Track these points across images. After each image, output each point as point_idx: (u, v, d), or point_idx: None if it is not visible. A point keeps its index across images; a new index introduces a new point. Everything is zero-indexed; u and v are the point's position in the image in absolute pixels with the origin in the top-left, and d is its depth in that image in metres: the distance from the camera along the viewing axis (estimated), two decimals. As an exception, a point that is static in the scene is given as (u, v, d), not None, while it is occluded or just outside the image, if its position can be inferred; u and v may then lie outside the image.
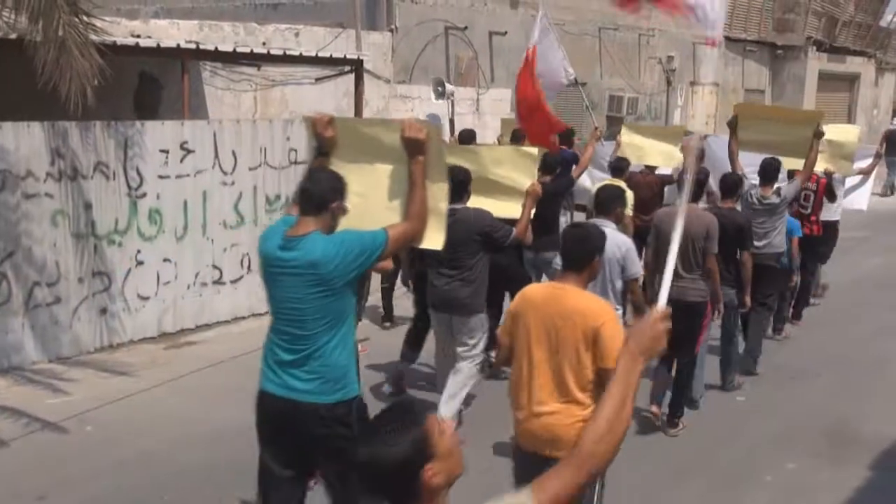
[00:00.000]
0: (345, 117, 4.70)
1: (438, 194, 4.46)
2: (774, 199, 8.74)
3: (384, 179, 4.52)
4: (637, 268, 6.15)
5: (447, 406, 6.82)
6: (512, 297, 5.24)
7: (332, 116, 4.65)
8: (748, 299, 7.89)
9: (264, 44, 13.18)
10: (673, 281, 2.69)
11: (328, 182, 4.18)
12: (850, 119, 32.36)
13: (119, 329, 9.10)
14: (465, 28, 17.77)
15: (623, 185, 9.11)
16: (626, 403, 2.29)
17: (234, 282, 10.10)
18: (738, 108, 10.17)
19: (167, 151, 9.30)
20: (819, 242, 10.72)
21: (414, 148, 4.34)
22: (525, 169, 7.24)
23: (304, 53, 11.92)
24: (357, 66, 12.11)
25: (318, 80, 13.81)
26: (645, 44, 22.65)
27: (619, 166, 10.56)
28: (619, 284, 6.08)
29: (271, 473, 4.31)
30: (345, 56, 12.45)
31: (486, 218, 6.76)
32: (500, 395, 5.28)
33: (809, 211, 10.41)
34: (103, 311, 8.90)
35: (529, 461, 4.16)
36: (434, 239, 4.49)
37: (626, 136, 11.74)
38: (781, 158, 9.05)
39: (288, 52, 11.78)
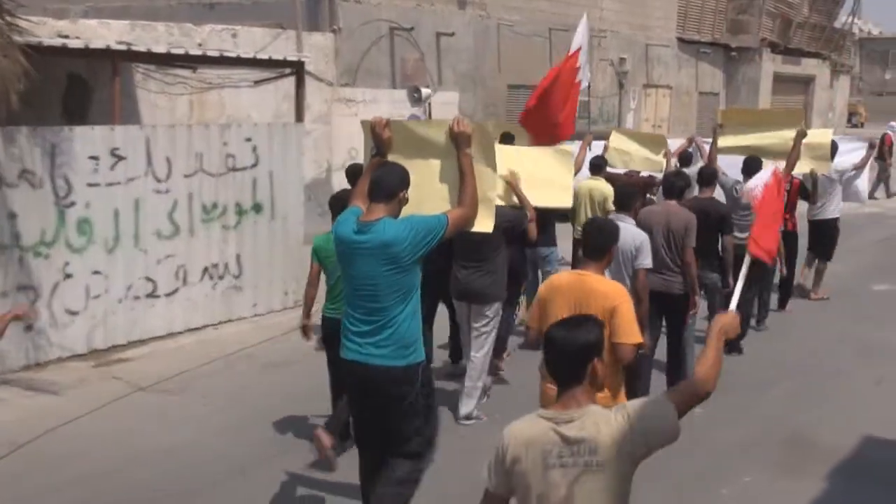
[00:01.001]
0: (398, 120, 5.71)
1: (488, 183, 5.26)
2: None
3: (436, 172, 5.25)
4: (647, 259, 7.01)
5: (466, 405, 7.68)
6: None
7: (389, 119, 5.41)
8: (731, 281, 8.54)
9: (200, 45, 13.11)
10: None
11: (397, 174, 4.95)
12: (805, 122, 32.92)
13: (46, 346, 8.96)
14: (411, 29, 17.84)
15: (603, 181, 10.94)
16: (719, 358, 3.42)
17: (168, 295, 10.00)
18: (724, 114, 11.31)
19: (97, 158, 9.18)
20: (794, 238, 11.51)
21: (462, 141, 5.11)
22: (565, 164, 8.52)
23: (242, 55, 11.86)
24: (298, 69, 12.08)
25: (256, 83, 13.76)
26: (596, 45, 22.88)
27: (597, 164, 11.34)
28: (631, 272, 7.00)
29: (361, 438, 5.27)
30: (285, 58, 12.42)
31: (506, 214, 7.40)
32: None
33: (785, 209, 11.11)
34: (29, 326, 8.75)
35: None
36: (485, 223, 5.27)
37: (615, 140, 12.62)
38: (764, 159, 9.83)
39: (225, 54, 11.71)
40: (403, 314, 4.89)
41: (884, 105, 68.38)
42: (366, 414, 5.14)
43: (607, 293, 4.99)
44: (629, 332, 4.86)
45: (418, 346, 4.99)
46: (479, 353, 7.70)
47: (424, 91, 14.63)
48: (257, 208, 10.83)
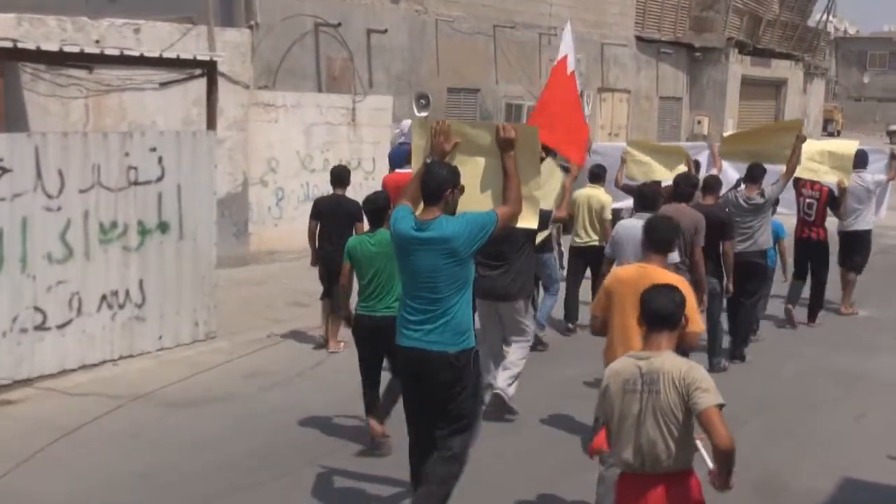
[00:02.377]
0: (452, 121, 6.84)
1: (532, 183, 6.46)
2: (759, 200, 11.14)
3: (480, 171, 6.40)
4: (674, 256, 7.91)
5: (508, 384, 8.86)
6: None
7: (450, 124, 6.50)
8: (731, 286, 10.43)
9: (98, 42, 13.00)
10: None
11: (442, 176, 6.06)
12: (777, 130, 33.51)
13: (-83, 387, 8.78)
14: (339, 25, 17.89)
15: (601, 190, 12.30)
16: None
17: (60, 327, 9.87)
18: (726, 140, 13.37)
19: (-23, 171, 9.07)
20: (824, 249, 13.06)
21: (506, 145, 6.24)
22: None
23: (146, 54, 11.78)
24: (210, 69, 12.03)
25: (162, 85, 13.69)
26: (546, 44, 23.15)
27: (597, 172, 12.47)
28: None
29: (413, 418, 6.32)
30: (195, 57, 12.36)
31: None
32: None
33: (813, 219, 12.94)
34: None
35: None
36: (529, 220, 6.51)
37: (630, 152, 13.51)
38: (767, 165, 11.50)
39: (126, 53, 11.63)
40: (459, 304, 6.02)
41: (862, 111, 70.01)
42: (419, 395, 6.21)
43: (669, 282, 5.96)
44: (693, 320, 5.80)
45: (470, 333, 6.14)
46: (515, 358, 8.98)
47: (430, 99, 17.86)
48: (163, 227, 10.75)
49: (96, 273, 10.16)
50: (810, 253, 13.07)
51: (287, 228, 16.18)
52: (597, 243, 11.95)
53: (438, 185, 6.01)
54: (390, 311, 7.30)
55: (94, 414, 8.88)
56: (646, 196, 9.05)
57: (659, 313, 4.96)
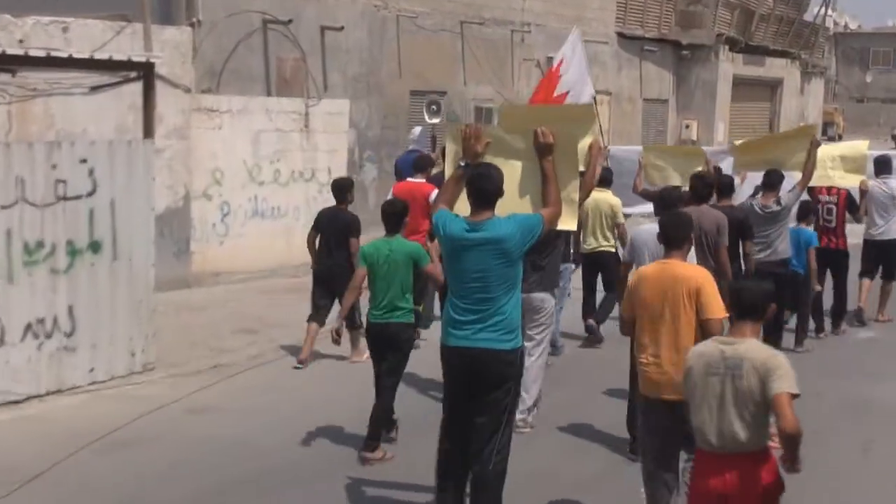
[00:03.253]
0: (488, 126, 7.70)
1: (571, 186, 7.27)
2: (775, 207, 11.82)
3: (518, 175, 7.18)
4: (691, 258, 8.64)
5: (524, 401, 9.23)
6: None
7: (480, 127, 7.29)
8: None
9: (21, 42, 12.94)
10: None
11: (497, 178, 6.83)
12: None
13: None
14: (290, 21, 17.91)
15: (610, 193, 13.10)
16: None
17: (-19, 359, 9.79)
18: (738, 148, 14.04)
19: None
20: (844, 257, 14.09)
21: (544, 150, 7.04)
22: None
23: (76, 55, 11.75)
24: (146, 71, 11.99)
25: (94, 89, 13.61)
26: (519, 42, 23.30)
27: (604, 176, 12.70)
28: None
29: (454, 415, 7.08)
30: (129, 58, 12.33)
31: None
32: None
33: (834, 224, 13.99)
34: None
35: (653, 405, 7.05)
36: (569, 222, 7.37)
37: (647, 157, 14.21)
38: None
39: (53, 54, 11.58)
40: (510, 303, 6.81)
41: (865, 113, 70.46)
42: (467, 392, 6.95)
43: (690, 276, 7.07)
44: (715, 307, 6.89)
45: (519, 332, 6.95)
46: (533, 358, 9.36)
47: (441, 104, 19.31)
48: (95, 247, 10.70)
49: (20, 299, 10.08)
50: (829, 262, 13.88)
51: (234, 247, 16.14)
52: (607, 248, 13.08)
53: (495, 187, 6.80)
54: (402, 319, 8.76)
55: (17, 457, 8.79)
56: (667, 199, 9.84)
57: (744, 303, 5.85)
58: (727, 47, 32.45)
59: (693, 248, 8.56)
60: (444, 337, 6.97)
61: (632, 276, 7.63)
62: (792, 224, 12.53)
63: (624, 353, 8.53)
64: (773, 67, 35.97)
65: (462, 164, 7.09)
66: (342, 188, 11.89)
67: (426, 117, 18.97)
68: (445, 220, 6.93)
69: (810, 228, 13.08)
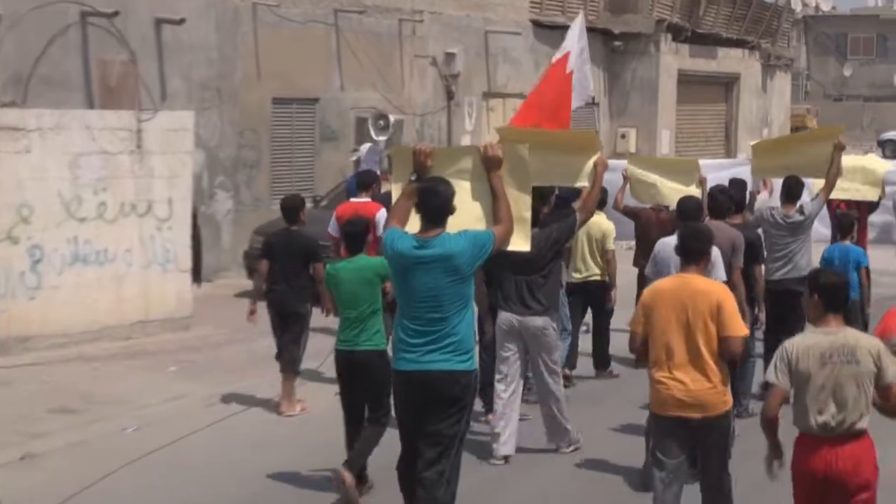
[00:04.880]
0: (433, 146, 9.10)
1: (522, 205, 8.76)
2: (798, 217, 13.31)
3: (467, 194, 8.46)
4: (721, 273, 10.39)
5: (508, 445, 11.26)
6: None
7: (432, 149, 8.82)
8: (763, 315, 12.63)
9: None
10: None
11: (448, 193, 8.13)
12: (730, 143, 34.24)
13: None
14: (115, 14, 17.79)
15: (603, 217, 14.41)
16: None
17: None
18: (755, 146, 15.73)
19: None
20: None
21: (492, 164, 8.46)
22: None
23: None
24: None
25: None
26: (409, 34, 23.37)
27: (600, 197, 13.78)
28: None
29: (408, 438, 8.39)
30: None
31: (552, 231, 11.19)
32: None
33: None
34: None
35: (668, 424, 8.45)
36: (520, 242, 8.82)
37: (632, 170, 15.49)
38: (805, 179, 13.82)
39: None
40: (463, 322, 8.09)
41: (844, 113, 70.52)
42: (418, 416, 8.18)
43: (711, 290, 8.41)
44: (736, 325, 8.31)
45: (473, 353, 8.20)
46: (549, 378, 11.30)
47: (392, 118, 21.38)
48: None
49: None
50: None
51: (48, 302, 15.80)
52: (598, 277, 14.41)
53: (444, 203, 8.06)
54: (372, 345, 10.02)
55: None
56: (687, 209, 11.32)
57: (832, 292, 7.56)
58: (670, 36, 32.65)
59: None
60: (394, 361, 8.32)
61: (647, 290, 8.85)
62: (821, 240, 14.62)
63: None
64: (728, 60, 36.28)
65: (412, 177, 8.39)
66: (293, 208, 12.85)
67: (373, 134, 20.91)
68: (394, 238, 8.17)
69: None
